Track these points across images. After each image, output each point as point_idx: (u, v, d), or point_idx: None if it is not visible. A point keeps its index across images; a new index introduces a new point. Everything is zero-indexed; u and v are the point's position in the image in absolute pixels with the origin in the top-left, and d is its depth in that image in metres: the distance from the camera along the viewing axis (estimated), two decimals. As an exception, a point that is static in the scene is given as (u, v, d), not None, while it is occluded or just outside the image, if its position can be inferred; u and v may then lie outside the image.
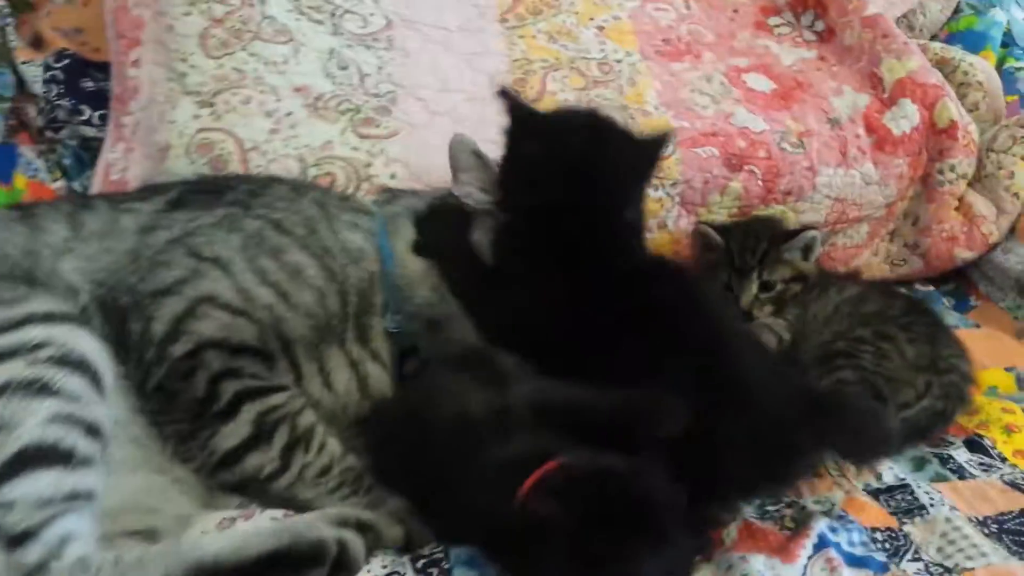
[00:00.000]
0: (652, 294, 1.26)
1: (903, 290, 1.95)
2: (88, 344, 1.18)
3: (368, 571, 1.12)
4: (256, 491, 1.28)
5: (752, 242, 1.79)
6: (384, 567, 1.14)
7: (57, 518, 1.03)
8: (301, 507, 1.25)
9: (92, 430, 1.11)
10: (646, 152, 1.37)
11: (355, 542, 1.09)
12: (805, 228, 1.81)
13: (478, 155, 1.48)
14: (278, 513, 1.26)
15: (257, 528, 1.15)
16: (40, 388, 1.09)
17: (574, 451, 1.10)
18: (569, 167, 1.30)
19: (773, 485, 1.27)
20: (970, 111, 2.12)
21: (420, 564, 1.14)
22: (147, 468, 1.27)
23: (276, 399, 1.29)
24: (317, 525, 1.08)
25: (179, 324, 1.28)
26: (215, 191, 1.48)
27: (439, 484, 1.17)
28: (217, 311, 1.30)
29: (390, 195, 1.61)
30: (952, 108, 2.00)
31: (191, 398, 1.26)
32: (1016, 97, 2.22)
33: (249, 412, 1.26)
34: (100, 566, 1.01)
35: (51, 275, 1.30)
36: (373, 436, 1.32)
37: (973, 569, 1.17)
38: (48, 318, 1.16)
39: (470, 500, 1.12)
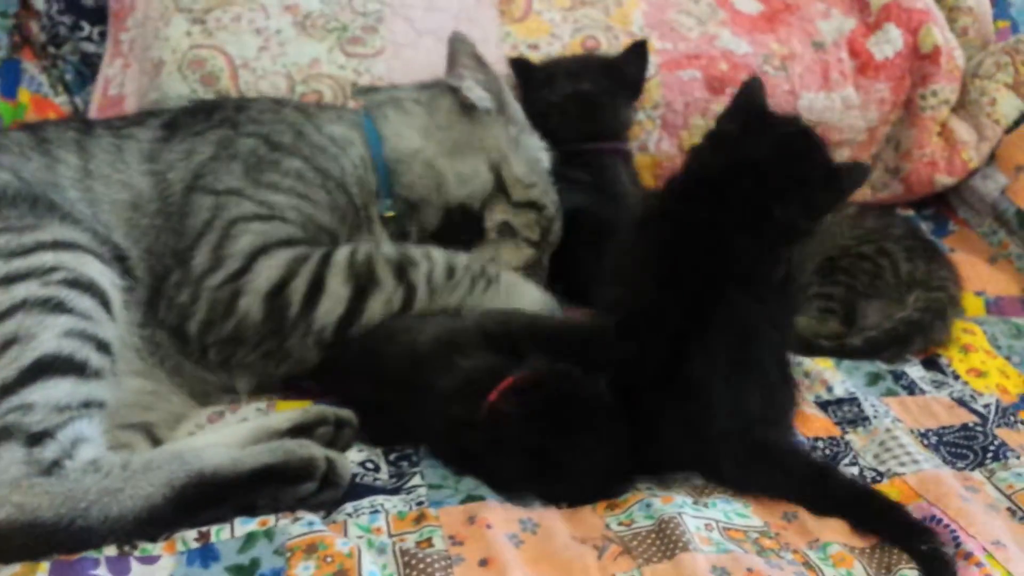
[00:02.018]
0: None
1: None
2: (96, 269, 1.25)
3: (345, 456, 1.19)
4: None
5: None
6: (360, 452, 1.23)
7: (72, 422, 1.09)
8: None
9: (102, 346, 1.19)
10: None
11: (342, 460, 1.15)
12: None
13: (477, 56, 1.60)
14: (262, 404, 1.37)
15: (252, 438, 1.22)
16: (55, 306, 1.16)
17: (530, 363, 1.18)
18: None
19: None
20: (959, 36, 2.12)
21: (392, 457, 1.24)
22: (146, 375, 1.36)
23: (344, 252, 1.36)
24: (308, 444, 1.14)
25: (219, 251, 1.35)
26: (204, 111, 1.54)
27: (403, 401, 1.25)
28: (250, 224, 1.37)
29: (370, 88, 1.69)
30: (937, 33, 2.00)
31: (250, 324, 1.32)
32: (1008, 23, 2.21)
33: (335, 277, 1.33)
34: (110, 469, 1.07)
35: (70, 206, 1.36)
36: (336, 373, 1.37)
37: (904, 474, 1.23)
38: (57, 245, 1.22)
39: (434, 411, 1.20)
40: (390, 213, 1.55)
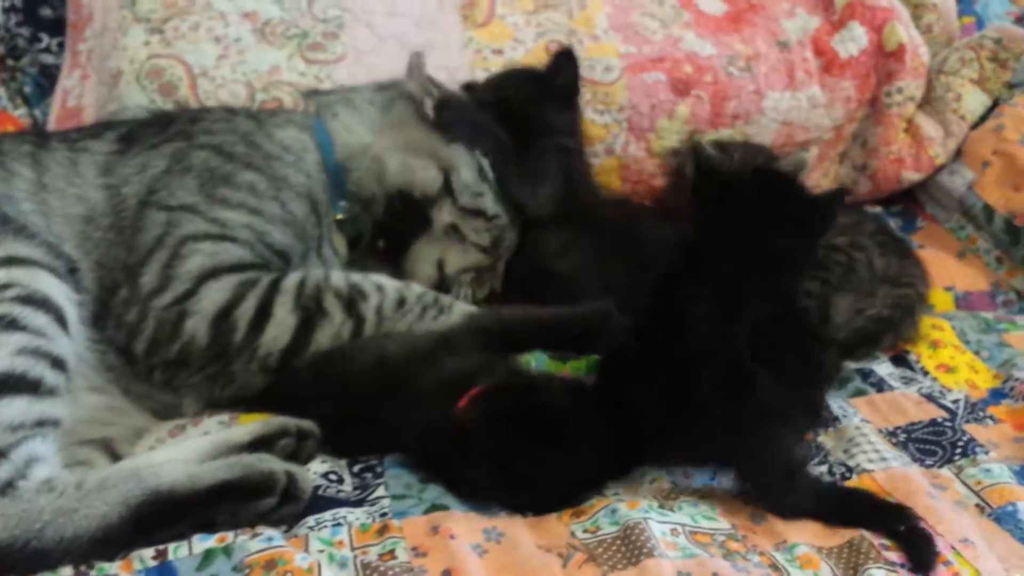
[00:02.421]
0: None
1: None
2: (50, 285, 1.23)
3: (309, 469, 1.19)
4: None
5: (751, 162, 1.82)
6: (324, 463, 1.22)
7: (25, 441, 1.08)
8: None
9: (57, 363, 1.17)
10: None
11: (303, 474, 1.14)
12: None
13: (432, 80, 1.61)
14: (224, 416, 1.35)
15: (212, 452, 1.20)
16: (8, 323, 1.14)
17: (506, 372, 1.17)
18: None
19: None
20: (924, 33, 2.12)
21: (356, 468, 1.23)
22: (104, 391, 1.34)
23: (293, 279, 1.35)
24: (268, 459, 1.13)
25: (168, 271, 1.34)
26: (159, 124, 1.54)
27: (376, 408, 1.24)
28: (200, 244, 1.36)
29: (320, 90, 1.70)
30: (901, 31, 2.00)
31: (195, 347, 1.31)
32: (973, 18, 2.22)
33: (282, 306, 1.33)
34: (64, 488, 1.05)
35: (24, 218, 1.34)
36: (288, 395, 1.35)
37: (872, 471, 1.24)
38: (10, 261, 1.21)
39: (413, 413, 1.19)
40: (340, 216, 1.54)
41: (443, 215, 1.58)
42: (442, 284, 1.59)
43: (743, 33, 2.00)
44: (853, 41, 2.00)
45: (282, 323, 1.32)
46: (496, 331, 1.31)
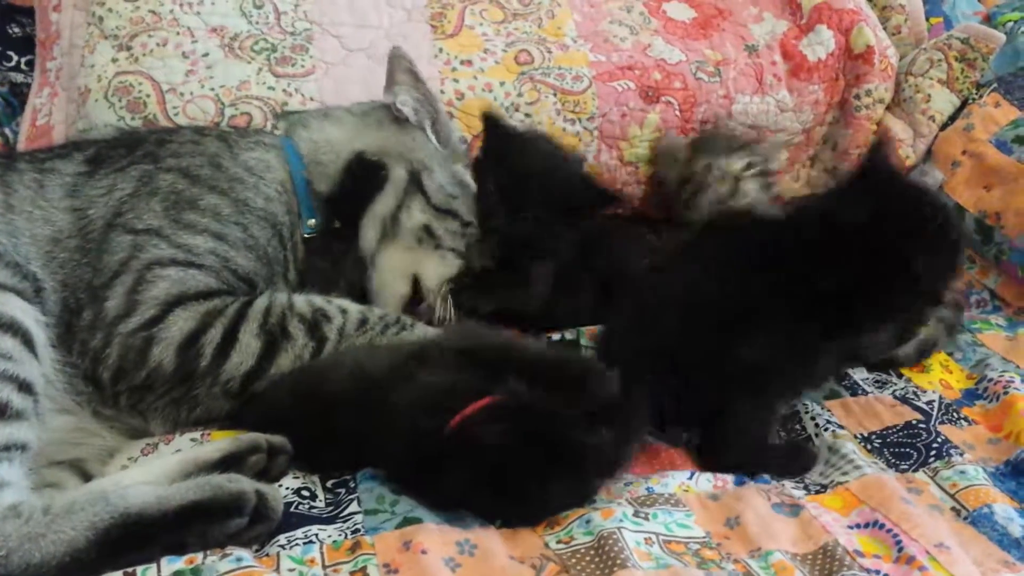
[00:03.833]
0: None
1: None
2: (17, 307, 1.23)
3: (281, 485, 1.19)
4: None
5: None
6: (296, 479, 1.22)
7: None
8: None
9: (25, 386, 1.17)
10: None
11: (274, 492, 1.13)
12: None
13: (413, 72, 1.62)
14: (196, 434, 1.34)
15: (181, 471, 1.19)
16: None
17: (507, 389, 1.16)
18: None
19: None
20: (892, 35, 2.13)
21: (330, 483, 1.22)
22: (73, 412, 1.34)
23: (260, 305, 1.36)
24: (238, 478, 1.12)
25: (133, 295, 1.34)
26: (127, 145, 1.53)
27: (353, 421, 1.22)
28: (166, 270, 1.36)
29: (293, 111, 1.70)
30: (869, 33, 2.02)
31: (161, 373, 1.32)
32: (941, 19, 2.23)
33: (248, 332, 1.34)
34: (31, 513, 1.04)
35: None
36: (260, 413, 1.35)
37: (847, 482, 1.23)
38: None
39: (392, 423, 1.18)
40: (309, 235, 1.54)
41: (414, 215, 1.58)
42: (417, 300, 1.58)
43: (712, 39, 2.01)
44: (821, 44, 2.01)
45: (247, 348, 1.33)
46: (471, 352, 1.28)
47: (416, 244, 1.58)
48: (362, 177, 1.57)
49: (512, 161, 1.64)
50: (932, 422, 1.39)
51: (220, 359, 1.32)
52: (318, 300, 1.42)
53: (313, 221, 1.54)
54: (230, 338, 1.33)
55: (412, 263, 1.58)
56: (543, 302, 1.63)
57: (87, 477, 1.27)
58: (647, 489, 1.19)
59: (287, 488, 1.19)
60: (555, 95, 1.85)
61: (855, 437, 1.36)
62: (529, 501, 1.12)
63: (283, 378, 1.35)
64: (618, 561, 1.00)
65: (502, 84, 1.85)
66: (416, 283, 1.58)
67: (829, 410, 1.42)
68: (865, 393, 1.49)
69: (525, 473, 1.10)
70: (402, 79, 1.63)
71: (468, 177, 1.66)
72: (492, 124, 1.69)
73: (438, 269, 1.59)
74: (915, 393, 1.49)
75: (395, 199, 1.58)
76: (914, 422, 1.39)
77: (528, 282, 1.62)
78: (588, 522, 1.08)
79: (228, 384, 1.34)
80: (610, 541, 1.03)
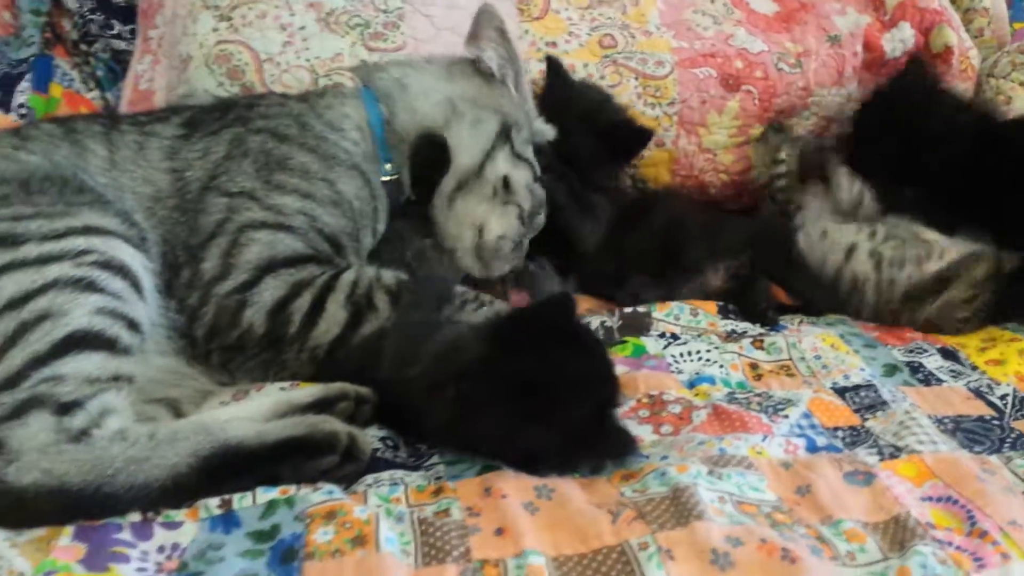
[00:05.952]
0: None
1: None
2: (127, 253, 1.29)
3: (367, 433, 1.23)
4: None
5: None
6: (381, 428, 1.26)
7: (101, 393, 1.13)
8: None
9: (133, 325, 1.23)
10: None
11: (363, 436, 1.18)
12: None
13: (501, 29, 1.65)
14: (286, 384, 1.39)
15: (275, 411, 1.26)
16: (87, 285, 1.20)
17: None
18: None
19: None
20: (975, 37, 2.13)
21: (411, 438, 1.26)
22: (173, 355, 1.40)
23: (348, 278, 1.41)
24: (331, 419, 1.17)
25: (228, 258, 1.39)
26: (220, 109, 1.60)
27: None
28: (258, 233, 1.41)
29: (376, 64, 1.75)
30: (950, 33, 2.02)
31: (252, 335, 1.37)
32: (1024, 24, 2.23)
33: (335, 302, 1.38)
34: (136, 439, 1.10)
35: (99, 188, 1.40)
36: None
37: (921, 452, 1.22)
38: (88, 231, 1.26)
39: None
40: (386, 178, 1.59)
41: (497, 165, 1.62)
42: (480, 253, 1.62)
43: (793, 32, 2.02)
44: (902, 41, 2.01)
45: (334, 317, 1.37)
46: None
47: (491, 195, 1.62)
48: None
49: (569, 99, 1.78)
50: (1006, 419, 1.38)
51: (308, 326, 1.37)
52: (403, 275, 1.46)
53: (390, 165, 1.59)
54: (318, 307, 1.37)
55: (482, 215, 1.62)
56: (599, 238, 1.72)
57: (180, 416, 1.32)
58: (720, 450, 1.20)
59: (373, 436, 1.23)
60: (636, 79, 1.88)
61: (928, 416, 1.34)
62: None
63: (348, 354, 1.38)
64: (695, 513, 1.01)
65: (585, 66, 1.89)
66: (481, 232, 1.62)
67: (904, 393, 1.42)
68: (939, 382, 1.49)
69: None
70: (489, 35, 1.66)
71: (547, 132, 1.69)
72: (555, 66, 1.82)
73: (501, 222, 1.63)
74: (989, 386, 1.47)
75: (482, 150, 1.62)
76: (987, 417, 1.37)
77: (592, 215, 1.71)
78: (663, 474, 1.10)
79: (315, 350, 1.38)
80: (686, 493, 1.05)
